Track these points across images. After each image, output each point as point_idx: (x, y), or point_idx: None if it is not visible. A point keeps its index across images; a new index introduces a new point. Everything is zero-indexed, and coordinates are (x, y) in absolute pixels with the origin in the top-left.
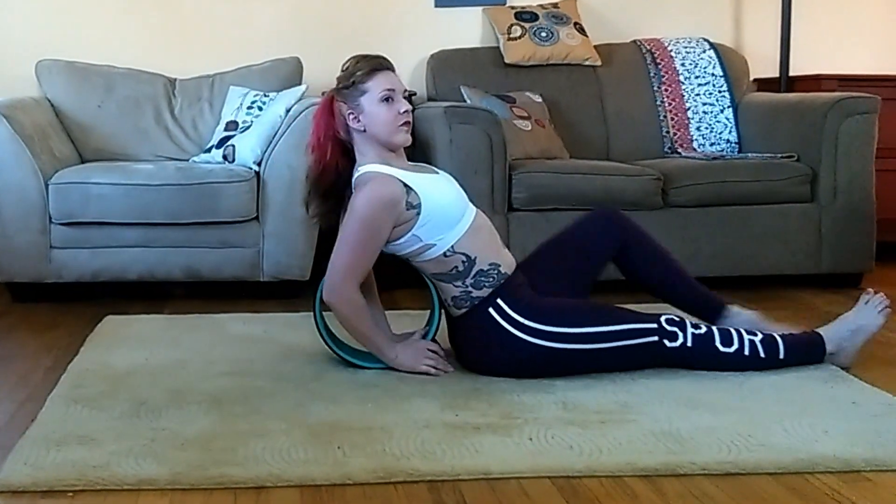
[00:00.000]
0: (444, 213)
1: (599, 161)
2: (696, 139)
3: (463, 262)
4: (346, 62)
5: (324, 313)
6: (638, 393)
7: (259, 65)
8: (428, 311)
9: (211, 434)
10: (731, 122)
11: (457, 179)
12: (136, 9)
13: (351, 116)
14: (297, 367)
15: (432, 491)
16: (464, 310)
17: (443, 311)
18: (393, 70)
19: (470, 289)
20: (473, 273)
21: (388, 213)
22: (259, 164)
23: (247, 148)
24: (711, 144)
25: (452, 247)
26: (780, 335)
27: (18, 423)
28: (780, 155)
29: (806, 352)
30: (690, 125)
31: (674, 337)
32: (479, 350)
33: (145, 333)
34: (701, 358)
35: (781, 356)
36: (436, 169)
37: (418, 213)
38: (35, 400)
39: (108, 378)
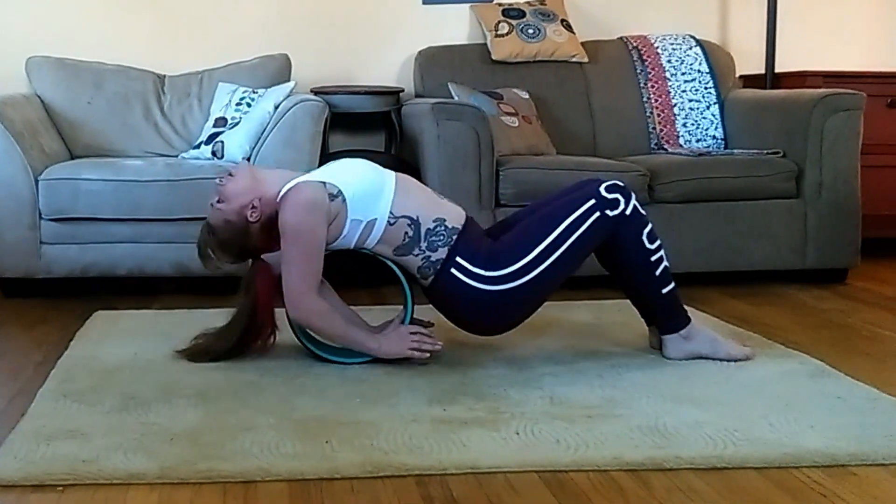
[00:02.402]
0: (367, 186)
1: (586, 157)
2: (682, 135)
3: (409, 224)
4: (204, 245)
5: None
6: (624, 388)
7: (248, 61)
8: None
9: (199, 428)
10: (717, 119)
11: (445, 175)
12: (126, 6)
13: (252, 213)
14: (285, 361)
15: (420, 485)
16: (430, 278)
17: (413, 293)
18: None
19: (427, 253)
20: (423, 235)
21: (316, 215)
22: (248, 160)
23: (235, 144)
24: (697, 141)
25: (392, 212)
26: (672, 286)
27: (8, 417)
28: (765, 151)
29: (674, 311)
30: (677, 121)
31: (615, 205)
32: (460, 313)
33: (134, 328)
34: (626, 236)
35: (664, 291)
36: (338, 160)
37: (343, 200)
38: (25, 395)
39: (97, 373)
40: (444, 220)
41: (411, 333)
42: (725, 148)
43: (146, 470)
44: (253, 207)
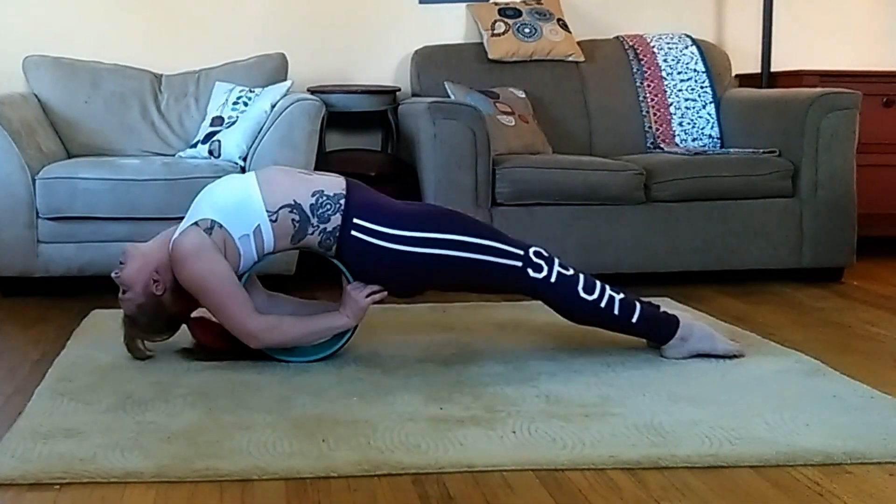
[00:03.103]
0: (232, 201)
1: (582, 156)
2: (678, 134)
3: (290, 211)
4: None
5: None
6: (620, 386)
7: (244, 61)
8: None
9: (196, 427)
10: (713, 118)
11: (441, 174)
12: (123, 5)
13: (157, 286)
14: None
15: (416, 484)
16: (333, 247)
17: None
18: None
19: (321, 225)
20: (309, 213)
21: (206, 257)
22: (244, 160)
23: (232, 143)
24: (693, 140)
25: (268, 210)
26: (640, 304)
27: (5, 416)
28: (761, 150)
29: (656, 326)
30: (673, 121)
31: (538, 269)
32: (368, 275)
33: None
34: (561, 297)
35: (633, 320)
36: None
37: (220, 226)
38: (22, 393)
39: (94, 371)
40: (322, 191)
41: (356, 290)
42: (721, 147)
43: (143, 468)
44: (155, 281)
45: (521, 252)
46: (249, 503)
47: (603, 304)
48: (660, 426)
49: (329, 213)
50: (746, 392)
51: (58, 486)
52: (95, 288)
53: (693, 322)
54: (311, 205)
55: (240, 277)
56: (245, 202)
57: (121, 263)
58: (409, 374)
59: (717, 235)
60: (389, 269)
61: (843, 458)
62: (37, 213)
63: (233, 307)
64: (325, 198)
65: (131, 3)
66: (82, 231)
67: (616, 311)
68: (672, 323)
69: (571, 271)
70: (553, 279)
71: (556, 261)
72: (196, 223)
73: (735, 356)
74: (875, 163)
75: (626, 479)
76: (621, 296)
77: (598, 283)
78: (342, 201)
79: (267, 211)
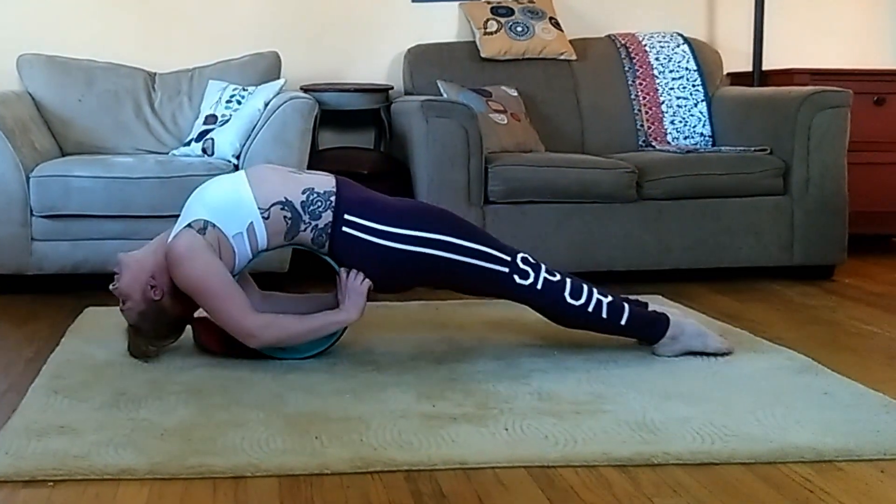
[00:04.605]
0: (224, 200)
1: (574, 154)
2: (669, 133)
3: (282, 208)
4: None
5: None
6: (612, 384)
7: (238, 59)
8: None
9: (190, 424)
10: (704, 116)
11: (434, 172)
12: (117, 3)
13: (154, 292)
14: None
15: (409, 481)
16: (326, 244)
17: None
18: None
19: (313, 223)
20: (300, 210)
21: (200, 259)
22: (238, 158)
23: (226, 141)
24: (685, 138)
25: (260, 207)
26: (629, 305)
27: (0, 413)
28: (753, 148)
29: (646, 326)
30: (664, 119)
31: (525, 275)
32: (363, 271)
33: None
34: (548, 303)
35: (622, 322)
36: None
37: (213, 226)
38: (16, 390)
39: (88, 369)
40: (313, 189)
41: (352, 279)
42: (713, 145)
43: (137, 465)
44: (152, 287)
45: (509, 258)
46: (243, 500)
47: (591, 309)
48: (651, 423)
49: (320, 210)
50: (738, 389)
51: (52, 484)
52: (89, 285)
53: (684, 320)
54: (303, 202)
55: (234, 276)
56: (237, 201)
57: (115, 274)
58: (401, 371)
59: (708, 233)
60: (378, 264)
61: (834, 454)
62: (31, 210)
63: (230, 307)
64: (315, 195)
65: (125, 1)
66: (76, 229)
67: (604, 315)
68: (662, 322)
69: (558, 277)
70: (539, 286)
71: (543, 267)
72: (189, 225)
73: (725, 353)
74: (866, 161)
75: (617, 476)
76: (609, 298)
77: (586, 288)
78: (332, 198)
79: (259, 209)
